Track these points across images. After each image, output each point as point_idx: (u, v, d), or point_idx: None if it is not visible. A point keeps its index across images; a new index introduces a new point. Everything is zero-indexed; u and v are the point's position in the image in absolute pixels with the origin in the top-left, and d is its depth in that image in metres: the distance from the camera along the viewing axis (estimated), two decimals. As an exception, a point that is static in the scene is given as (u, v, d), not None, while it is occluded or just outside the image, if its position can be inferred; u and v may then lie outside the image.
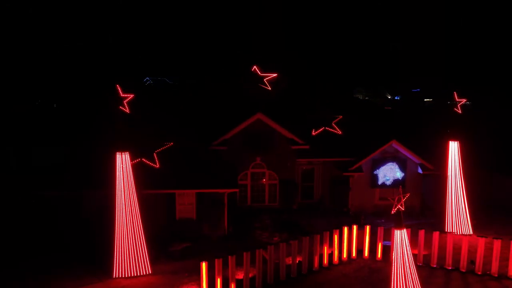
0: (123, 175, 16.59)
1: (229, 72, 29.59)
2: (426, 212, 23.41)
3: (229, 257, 14.68)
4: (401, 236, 13.77)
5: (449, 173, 20.69)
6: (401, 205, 14.47)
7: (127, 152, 16.89)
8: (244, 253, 15.04)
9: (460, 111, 20.73)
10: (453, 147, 20.90)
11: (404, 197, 14.32)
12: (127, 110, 16.93)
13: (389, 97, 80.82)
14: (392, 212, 14.32)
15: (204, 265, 14.20)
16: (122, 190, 16.45)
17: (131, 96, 17.32)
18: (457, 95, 21.17)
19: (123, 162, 16.70)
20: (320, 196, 24.94)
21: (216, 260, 14.40)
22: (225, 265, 14.44)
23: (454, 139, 20.95)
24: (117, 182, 16.51)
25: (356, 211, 23.59)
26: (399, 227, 13.94)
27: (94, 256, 17.75)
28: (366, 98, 75.73)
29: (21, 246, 18.77)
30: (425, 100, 66.77)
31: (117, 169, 16.58)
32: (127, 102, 17.05)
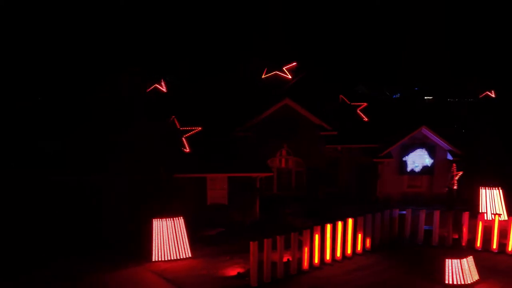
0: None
1: (245, 62, 29.19)
2: (455, 198, 23.11)
3: (277, 237, 14.25)
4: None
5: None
6: (453, 183, 14.21)
7: (181, 217, 15.69)
8: (292, 234, 14.66)
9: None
10: (492, 194, 19.46)
11: (457, 175, 14.07)
12: (165, 89, 16.49)
13: (388, 94, 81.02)
14: (445, 191, 14.06)
15: (254, 245, 13.65)
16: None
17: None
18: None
19: (169, 228, 15.46)
20: (347, 184, 24.54)
21: (265, 240, 13.92)
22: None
23: (492, 186, 19.20)
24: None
25: (384, 198, 23.25)
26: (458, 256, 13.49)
27: (125, 244, 16.99)
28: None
29: (43, 236, 18.00)
30: (425, 98, 67.04)
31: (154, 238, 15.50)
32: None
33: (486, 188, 19.61)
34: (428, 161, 23.39)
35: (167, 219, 15.67)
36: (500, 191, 19.62)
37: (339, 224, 15.81)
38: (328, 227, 15.32)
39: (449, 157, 23.38)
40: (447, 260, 13.46)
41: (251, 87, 27.25)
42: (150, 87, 18.43)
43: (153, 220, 15.66)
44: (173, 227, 15.74)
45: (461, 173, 14.21)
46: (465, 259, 13.56)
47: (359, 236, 16.37)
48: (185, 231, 16.01)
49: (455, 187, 14.31)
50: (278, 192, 23.56)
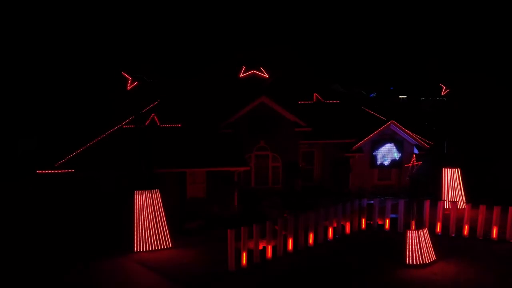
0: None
1: (227, 60, 30.08)
2: (420, 189, 24.61)
3: (254, 226, 15.27)
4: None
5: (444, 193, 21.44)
6: (413, 173, 15.55)
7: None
8: (267, 222, 15.70)
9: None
10: (450, 174, 21.25)
11: (417, 165, 15.41)
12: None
13: (364, 93, 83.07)
14: (407, 177, 15.39)
15: (231, 233, 14.64)
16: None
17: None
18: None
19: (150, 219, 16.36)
20: (321, 178, 25.79)
21: (242, 228, 14.91)
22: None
23: (452, 166, 21.19)
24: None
25: (356, 191, 24.58)
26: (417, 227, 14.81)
27: (110, 235, 18.01)
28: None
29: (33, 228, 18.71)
30: (399, 97, 69.28)
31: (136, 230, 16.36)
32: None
33: (448, 168, 21.36)
34: (396, 155, 24.91)
35: (147, 208, 16.51)
36: (459, 170, 21.43)
37: (311, 214, 16.99)
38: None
39: (416, 151, 24.96)
40: (408, 231, 14.75)
41: (230, 85, 28.18)
42: (131, 84, 19.23)
43: (135, 212, 16.48)
44: (154, 218, 16.60)
45: (420, 163, 15.55)
46: (421, 230, 14.86)
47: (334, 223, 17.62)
48: (165, 221, 16.88)
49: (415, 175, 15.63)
50: (256, 187, 24.57)
